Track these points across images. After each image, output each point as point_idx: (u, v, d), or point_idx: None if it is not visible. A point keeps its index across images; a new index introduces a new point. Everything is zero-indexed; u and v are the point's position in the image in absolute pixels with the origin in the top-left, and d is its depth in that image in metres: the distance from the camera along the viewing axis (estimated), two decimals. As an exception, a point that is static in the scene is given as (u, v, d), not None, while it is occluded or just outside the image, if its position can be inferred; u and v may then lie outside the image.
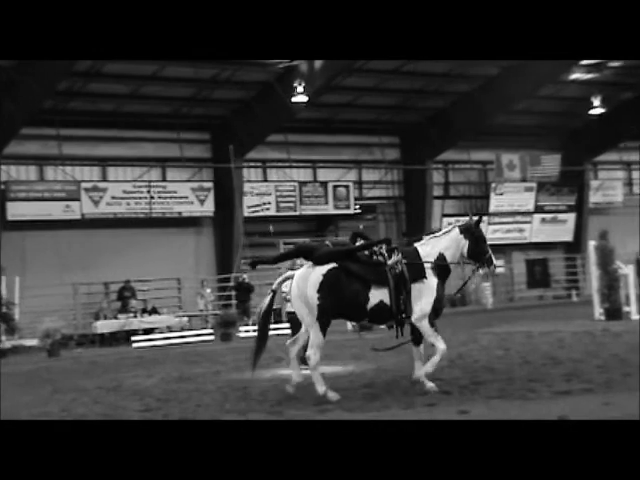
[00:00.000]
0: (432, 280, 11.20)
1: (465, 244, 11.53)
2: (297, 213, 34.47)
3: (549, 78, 32.81)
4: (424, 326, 11.15)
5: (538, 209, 39.15)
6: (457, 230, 11.61)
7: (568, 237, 40.26)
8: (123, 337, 27.36)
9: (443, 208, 37.81)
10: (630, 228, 40.76)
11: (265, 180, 34.92)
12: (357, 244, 11.53)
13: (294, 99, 29.52)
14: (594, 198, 40.98)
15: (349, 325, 24.06)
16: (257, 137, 32.74)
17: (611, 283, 22.62)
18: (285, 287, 12.24)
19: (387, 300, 10.98)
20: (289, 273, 11.56)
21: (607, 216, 40.13)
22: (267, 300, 11.59)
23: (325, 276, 10.83)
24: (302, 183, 34.82)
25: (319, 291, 10.78)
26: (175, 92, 30.94)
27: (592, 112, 35.72)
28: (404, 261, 11.10)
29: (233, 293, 31.32)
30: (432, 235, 11.81)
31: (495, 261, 11.81)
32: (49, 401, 12.69)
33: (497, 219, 38.23)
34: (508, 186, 38.10)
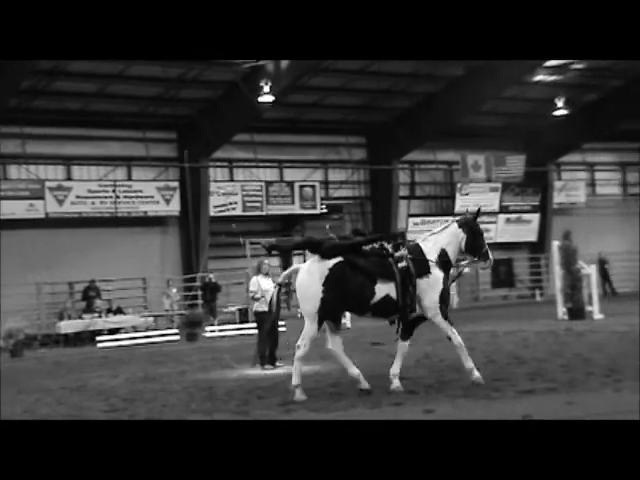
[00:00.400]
0: (437, 274, 11.30)
1: (463, 238, 11.62)
2: (263, 213, 34.43)
3: (514, 79, 33.09)
4: (440, 321, 11.29)
5: (503, 209, 39.41)
6: (456, 225, 11.70)
7: (532, 237, 40.58)
8: (88, 337, 27.17)
9: (409, 208, 37.95)
10: (593, 228, 41.27)
11: (231, 180, 34.85)
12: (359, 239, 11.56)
13: (260, 99, 29.50)
14: (558, 199, 41.35)
15: (348, 324, 24.10)
16: (223, 136, 32.68)
17: (574, 283, 22.83)
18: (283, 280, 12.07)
19: (393, 294, 11.03)
20: (295, 266, 11.59)
21: (570, 216, 40.53)
22: (274, 293, 11.62)
23: (331, 270, 10.87)
24: (268, 183, 34.79)
25: (324, 284, 10.81)
26: (142, 91, 30.80)
27: (556, 113, 36.05)
28: (409, 256, 11.19)
29: (199, 293, 31.23)
30: (432, 231, 11.87)
31: (491, 256, 11.96)
32: (13, 402, 12.57)
33: (462, 219, 38.43)
34: (473, 186, 38.32)
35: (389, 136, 36.12)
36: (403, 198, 37.84)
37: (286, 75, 29.43)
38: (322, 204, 35.92)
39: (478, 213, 11.99)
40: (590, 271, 23.37)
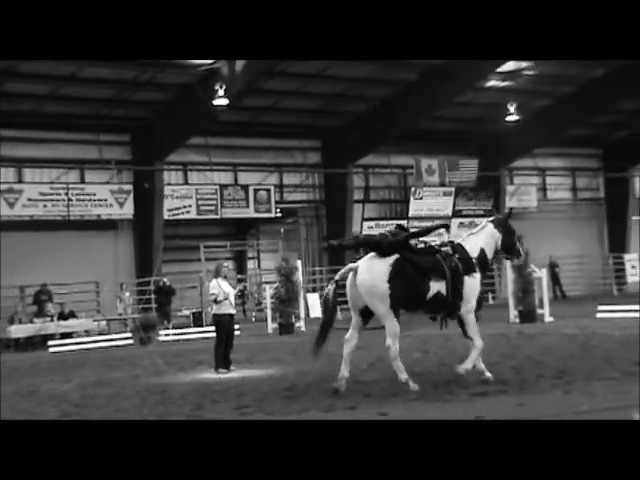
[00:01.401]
0: (477, 275, 11.70)
1: (499, 237, 12.14)
2: (218, 216, 34.32)
3: (467, 85, 33.41)
4: (471, 319, 11.63)
5: (456, 213, 39.69)
6: (491, 225, 12.19)
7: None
8: (39, 342, 26.81)
9: (363, 212, 38.05)
10: (544, 232, 41.76)
11: (186, 183, 34.71)
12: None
13: (215, 102, 29.41)
14: (510, 203, 41.73)
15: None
16: (178, 139, 32.55)
17: (525, 286, 23.11)
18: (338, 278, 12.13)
19: (444, 291, 11.35)
20: (352, 265, 11.58)
21: (522, 220, 40.82)
22: (331, 290, 11.66)
23: (392, 266, 11.10)
24: (223, 186, 34.71)
25: (389, 281, 11.00)
26: (95, 93, 30.51)
27: (508, 119, 36.44)
28: (457, 255, 11.59)
29: (153, 296, 31.04)
30: (470, 232, 12.38)
31: (523, 252, 12.65)
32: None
33: (416, 223, 38.62)
34: (427, 190, 38.56)
35: (344, 140, 36.23)
36: (357, 202, 37.96)
37: (241, 78, 29.38)
38: (277, 208, 35.91)
39: (510, 213, 12.85)
40: (541, 275, 23.66)
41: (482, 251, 11.89)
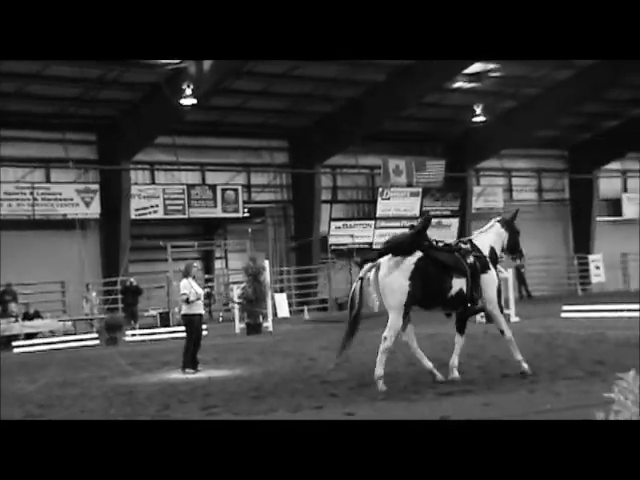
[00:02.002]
0: (492, 271, 12.09)
1: (506, 237, 12.56)
2: (185, 216, 34.23)
3: (434, 86, 33.60)
4: (498, 314, 12.02)
5: (423, 214, 39.82)
6: (499, 225, 12.61)
7: (451, 241, 41.10)
8: (3, 342, 26.58)
9: (331, 212, 38.15)
10: (510, 233, 41.92)
11: (153, 182, 34.58)
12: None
13: (182, 101, 29.34)
14: (476, 204, 42.05)
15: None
16: (145, 139, 32.41)
17: (492, 287, 23.23)
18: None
19: (465, 288, 11.63)
20: (376, 262, 11.73)
21: (488, 221, 41.18)
22: (357, 288, 11.72)
23: (416, 265, 11.35)
24: (190, 186, 34.63)
25: (410, 279, 11.22)
26: (61, 92, 30.31)
27: (474, 120, 36.69)
28: (474, 253, 11.96)
29: (119, 296, 30.88)
30: (479, 231, 12.76)
31: (525, 253, 13.04)
32: None
33: (384, 223, 38.83)
34: (394, 191, 38.73)
35: (311, 140, 36.27)
36: (325, 202, 38.03)
37: (208, 78, 29.34)
38: (244, 208, 35.88)
39: (516, 214, 13.07)
40: (507, 275, 23.82)
41: (492, 249, 12.28)
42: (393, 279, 11.26)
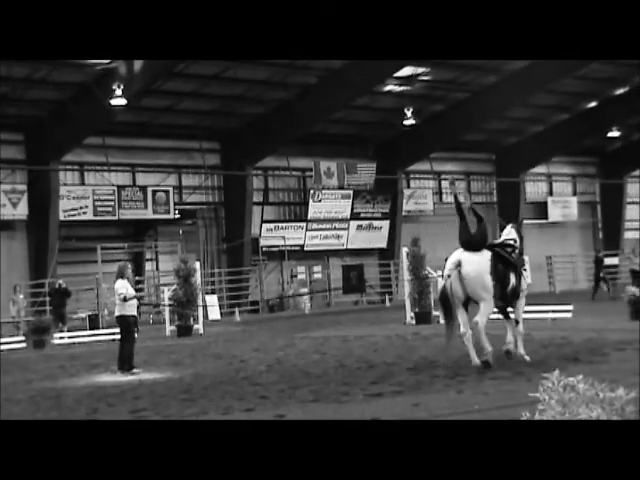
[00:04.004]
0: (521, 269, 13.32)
1: (517, 241, 13.58)
2: (115, 217, 33.86)
3: (365, 88, 33.82)
4: (522, 305, 13.25)
5: (354, 216, 40.14)
6: (514, 230, 13.75)
7: (382, 244, 41.47)
8: None
9: (263, 214, 38.17)
10: (440, 235, 42.50)
11: (82, 183, 34.13)
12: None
13: (113, 101, 29.02)
14: (407, 206, 42.47)
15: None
16: (74, 139, 31.98)
17: (422, 288, 23.50)
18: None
19: (515, 283, 12.83)
20: (458, 258, 12.53)
21: (418, 223, 41.72)
22: (448, 283, 12.52)
23: (491, 261, 12.49)
24: (121, 187, 34.28)
25: (491, 274, 12.38)
26: (-14, 90, 29.73)
27: (405, 123, 37.03)
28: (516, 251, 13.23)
29: (48, 299, 30.38)
30: (505, 234, 13.79)
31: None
32: None
33: (315, 225, 38.97)
34: (326, 193, 38.90)
35: (243, 142, 36.23)
36: (257, 204, 38.02)
37: (139, 78, 29.07)
38: (175, 209, 35.66)
39: (522, 222, 14.88)
40: (437, 277, 24.08)
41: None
42: (480, 275, 12.34)
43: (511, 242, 13.32)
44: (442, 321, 14.18)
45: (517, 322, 13.02)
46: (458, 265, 12.36)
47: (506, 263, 12.71)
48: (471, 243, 12.69)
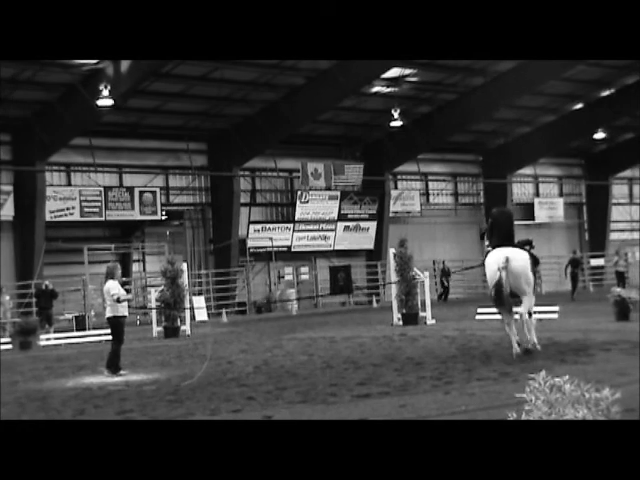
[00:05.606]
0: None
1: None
2: (102, 218, 33.79)
3: (352, 90, 33.84)
4: (534, 298, 14.22)
5: (342, 217, 40.19)
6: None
7: (369, 245, 41.54)
8: None
9: (250, 215, 38.16)
10: (427, 236, 42.74)
11: (69, 184, 34.04)
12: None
13: (100, 102, 28.95)
14: (394, 207, 42.54)
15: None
16: (61, 140, 31.88)
17: (409, 289, 23.51)
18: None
19: (535, 278, 14.21)
20: (505, 255, 13.43)
21: (406, 225, 41.81)
22: (503, 276, 13.24)
23: (529, 257, 13.78)
24: (107, 188, 34.20)
25: (530, 270, 13.64)
26: (-28, 91, 29.61)
27: (392, 124, 37.09)
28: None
29: (34, 300, 30.28)
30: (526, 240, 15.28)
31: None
32: None
33: (302, 226, 38.98)
34: (313, 194, 38.93)
35: (230, 143, 36.23)
36: (244, 205, 38.02)
37: (126, 79, 29.02)
38: (162, 210, 35.61)
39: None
40: (424, 278, 24.13)
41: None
42: (525, 270, 13.51)
43: (531, 240, 14.98)
44: (497, 313, 15.03)
45: (530, 314, 13.93)
46: (506, 261, 13.24)
47: (533, 261, 13.92)
48: (511, 240, 13.97)
